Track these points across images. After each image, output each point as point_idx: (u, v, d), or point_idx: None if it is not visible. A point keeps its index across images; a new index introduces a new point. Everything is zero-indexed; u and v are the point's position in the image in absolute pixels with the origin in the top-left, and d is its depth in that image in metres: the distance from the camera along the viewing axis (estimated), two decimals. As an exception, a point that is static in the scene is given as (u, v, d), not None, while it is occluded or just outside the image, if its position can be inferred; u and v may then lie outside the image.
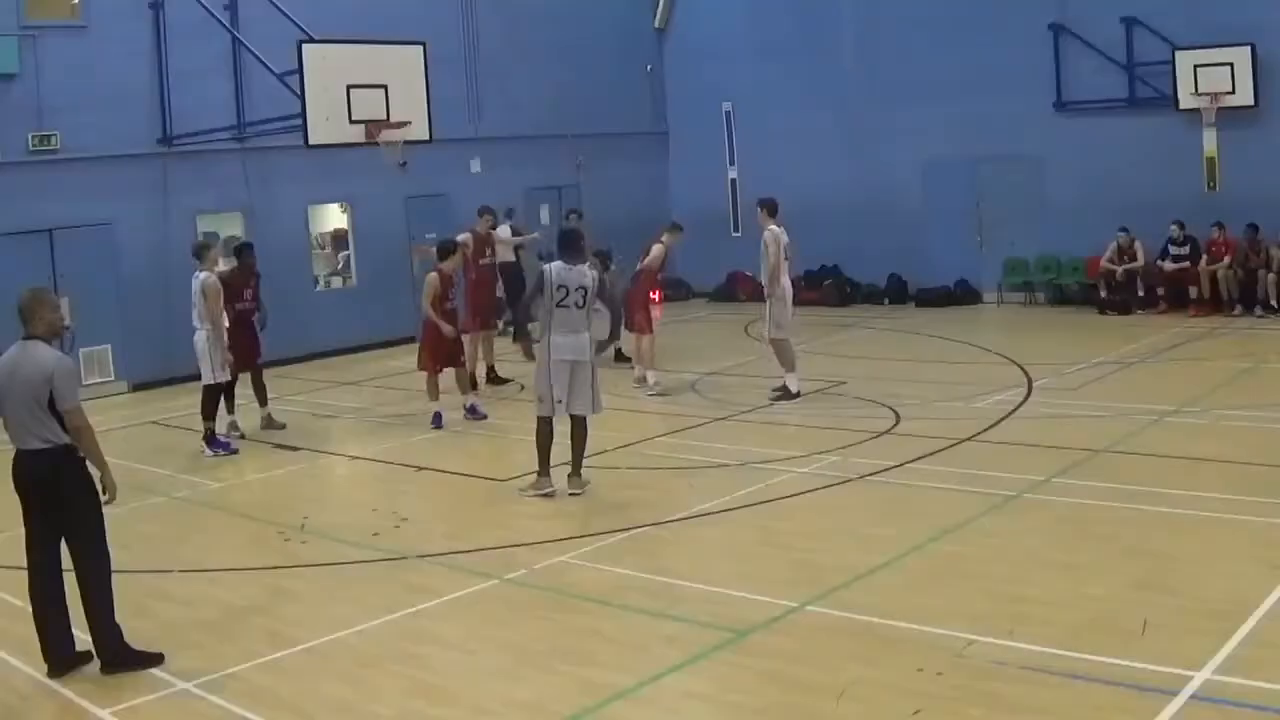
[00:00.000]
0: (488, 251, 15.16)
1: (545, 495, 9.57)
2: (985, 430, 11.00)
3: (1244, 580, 6.78)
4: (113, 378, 16.37)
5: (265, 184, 17.79)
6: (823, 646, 6.35)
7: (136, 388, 16.52)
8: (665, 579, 7.56)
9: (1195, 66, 17.40)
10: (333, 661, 6.55)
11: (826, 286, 21.46)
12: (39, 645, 6.51)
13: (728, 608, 6.99)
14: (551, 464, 9.63)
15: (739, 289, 22.67)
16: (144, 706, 6.09)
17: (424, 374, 13.00)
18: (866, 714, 5.55)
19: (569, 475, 9.67)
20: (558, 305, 9.34)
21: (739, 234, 22.99)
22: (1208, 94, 17.36)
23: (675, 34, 23.84)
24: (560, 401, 9.39)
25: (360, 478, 11.39)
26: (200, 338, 12.11)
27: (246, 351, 12.75)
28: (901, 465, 9.97)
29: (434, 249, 14.15)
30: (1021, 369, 13.87)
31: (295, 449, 12.21)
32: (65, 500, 6.45)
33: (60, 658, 6.49)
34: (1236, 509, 8.15)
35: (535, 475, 9.69)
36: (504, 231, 16.90)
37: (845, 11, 21.31)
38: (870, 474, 9.74)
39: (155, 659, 6.54)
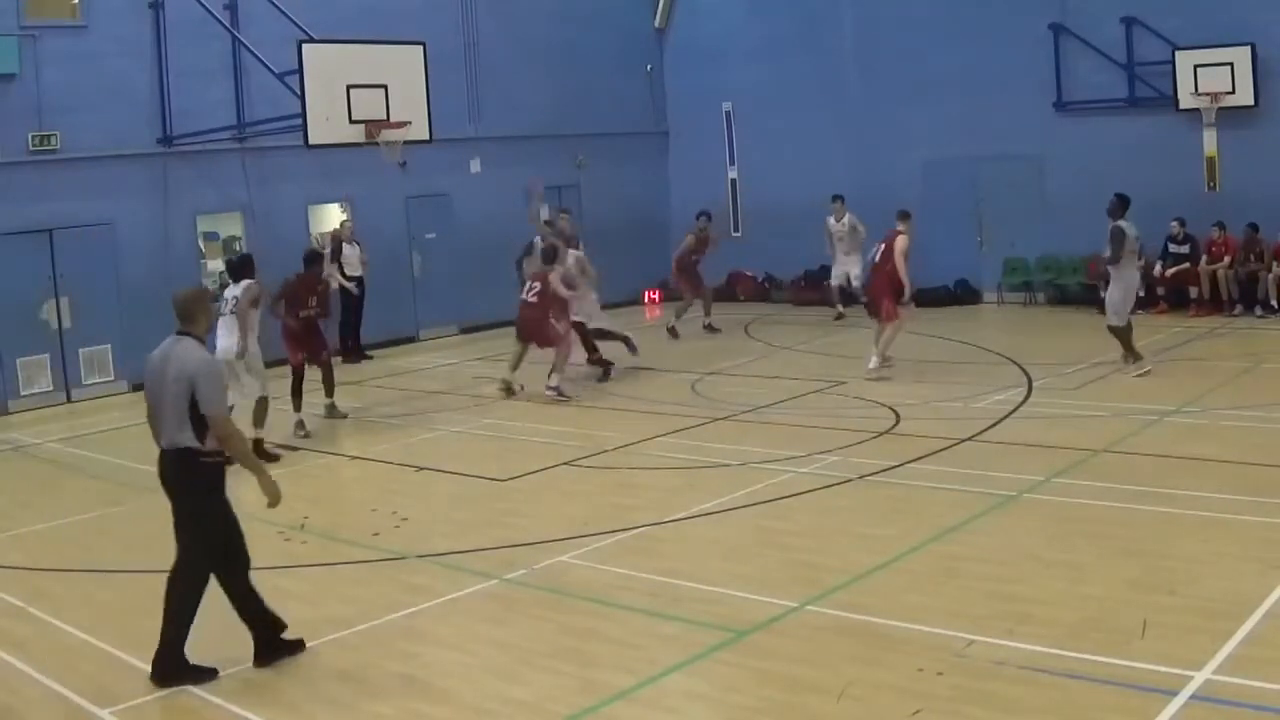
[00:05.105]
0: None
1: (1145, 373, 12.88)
2: (985, 430, 11.00)
3: (1244, 580, 6.78)
4: (113, 378, 16.35)
5: (265, 184, 17.79)
6: (822, 646, 6.35)
7: (136, 388, 16.49)
8: (665, 579, 7.56)
9: (1195, 66, 17.39)
10: (332, 662, 6.54)
11: (826, 286, 21.42)
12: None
13: (727, 608, 6.99)
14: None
15: (739, 288, 22.70)
16: (144, 706, 6.09)
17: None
18: (866, 714, 5.55)
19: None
20: (1127, 251, 12.91)
21: (739, 234, 23.02)
22: (1208, 94, 17.35)
23: (675, 34, 23.83)
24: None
25: (360, 478, 11.39)
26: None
27: (318, 349, 12.99)
28: (901, 465, 9.97)
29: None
30: (1021, 369, 13.88)
31: (295, 449, 12.22)
32: (178, 506, 6.38)
33: (269, 650, 6.50)
34: (1236, 509, 8.14)
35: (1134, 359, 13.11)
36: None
37: (845, 11, 21.30)
38: (870, 474, 9.74)
39: (210, 674, 6.36)
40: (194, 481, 6.34)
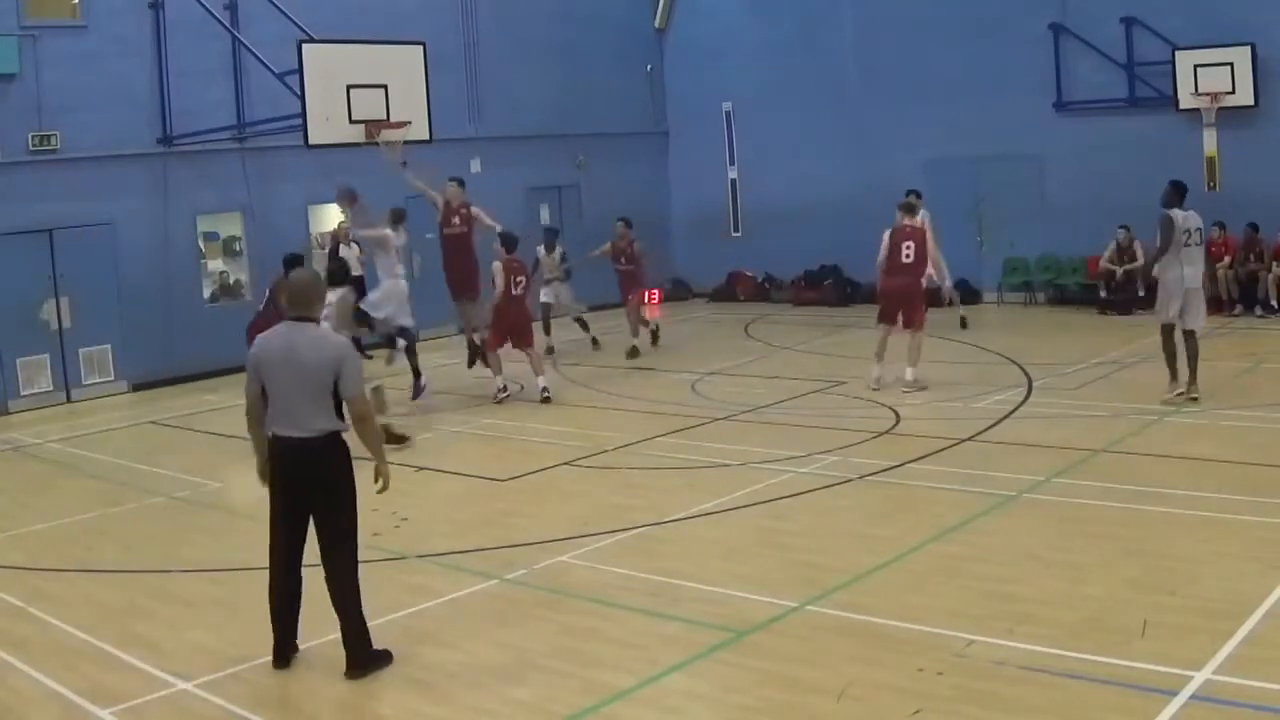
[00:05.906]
0: (455, 220, 15.31)
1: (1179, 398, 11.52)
2: (985, 430, 11.00)
3: (1244, 580, 6.78)
4: (113, 378, 16.36)
5: (265, 184, 17.79)
6: (822, 646, 6.35)
7: (136, 388, 16.52)
8: (665, 579, 7.56)
9: (1195, 66, 17.40)
10: (333, 662, 6.53)
11: (826, 286, 21.47)
12: (272, 636, 6.41)
13: (727, 608, 6.99)
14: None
15: (739, 288, 22.72)
16: (144, 706, 6.08)
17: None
18: (866, 714, 5.55)
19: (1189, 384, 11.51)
20: (1185, 245, 11.34)
21: (739, 234, 23.04)
22: (1208, 94, 17.36)
23: (675, 34, 23.85)
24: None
25: (361, 478, 11.34)
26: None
27: None
28: (901, 465, 9.96)
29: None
30: (1021, 369, 13.88)
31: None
32: (328, 492, 6.29)
33: (288, 651, 6.44)
34: (1236, 509, 8.14)
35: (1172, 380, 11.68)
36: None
37: (845, 11, 21.31)
38: (870, 474, 9.74)
39: (387, 658, 6.41)
40: (346, 464, 6.33)
